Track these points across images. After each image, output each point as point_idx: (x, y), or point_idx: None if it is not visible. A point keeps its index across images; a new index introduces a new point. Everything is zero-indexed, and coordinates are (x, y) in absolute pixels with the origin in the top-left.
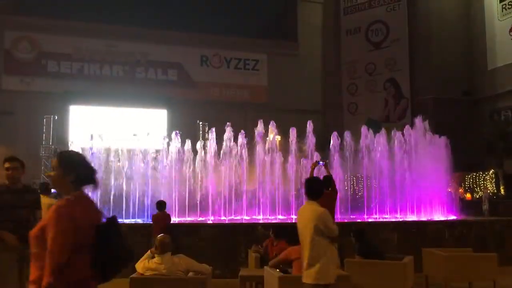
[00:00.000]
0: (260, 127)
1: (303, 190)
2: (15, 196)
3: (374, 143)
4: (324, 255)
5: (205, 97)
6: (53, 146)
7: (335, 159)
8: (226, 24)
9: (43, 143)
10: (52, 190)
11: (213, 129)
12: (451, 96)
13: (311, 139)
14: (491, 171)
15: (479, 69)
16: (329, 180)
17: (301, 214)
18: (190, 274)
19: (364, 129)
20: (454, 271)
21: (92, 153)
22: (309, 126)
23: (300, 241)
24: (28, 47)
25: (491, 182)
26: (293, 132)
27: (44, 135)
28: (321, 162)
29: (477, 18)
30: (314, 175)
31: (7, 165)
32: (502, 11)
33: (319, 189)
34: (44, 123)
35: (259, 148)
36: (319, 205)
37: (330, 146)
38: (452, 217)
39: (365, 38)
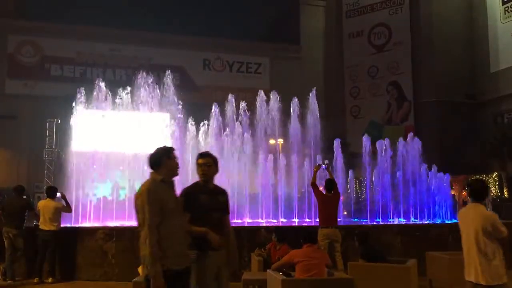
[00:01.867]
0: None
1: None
2: (209, 197)
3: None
4: (494, 256)
5: (208, 100)
6: (56, 150)
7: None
8: (228, 27)
9: (46, 146)
10: (58, 194)
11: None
12: (454, 99)
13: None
14: (494, 174)
15: (482, 72)
16: (331, 183)
17: (465, 216)
18: None
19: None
20: (458, 274)
21: None
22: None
23: (463, 243)
24: (31, 51)
25: (494, 185)
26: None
27: (47, 138)
28: (323, 165)
29: (479, 20)
30: (317, 177)
31: (200, 161)
32: (505, 14)
33: (484, 191)
34: (47, 127)
35: (262, 150)
36: (485, 207)
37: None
38: (456, 221)
39: (367, 41)
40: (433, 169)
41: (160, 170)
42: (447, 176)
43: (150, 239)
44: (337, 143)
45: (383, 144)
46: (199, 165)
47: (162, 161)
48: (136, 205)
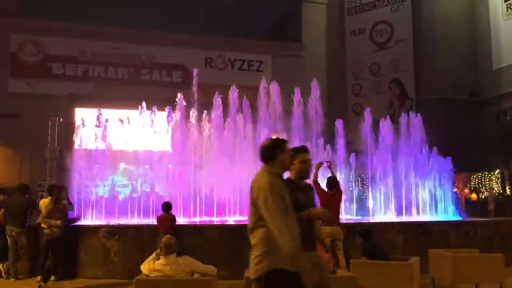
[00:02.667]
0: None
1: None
2: (304, 194)
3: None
4: None
5: (209, 98)
6: (58, 148)
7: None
8: (230, 25)
9: (48, 145)
10: None
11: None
12: (456, 96)
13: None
14: (496, 171)
15: (484, 69)
16: (333, 181)
17: None
18: (196, 275)
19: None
20: (460, 272)
21: None
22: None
23: None
24: (33, 50)
25: (496, 182)
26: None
27: (49, 137)
28: (325, 163)
29: (482, 18)
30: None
31: (303, 156)
32: (507, 11)
33: None
34: (50, 125)
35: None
36: None
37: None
38: (458, 218)
39: (369, 38)
40: (433, 151)
41: (273, 163)
42: (448, 160)
43: (285, 229)
44: (338, 124)
45: (384, 123)
46: (302, 161)
47: (276, 154)
48: (254, 200)
